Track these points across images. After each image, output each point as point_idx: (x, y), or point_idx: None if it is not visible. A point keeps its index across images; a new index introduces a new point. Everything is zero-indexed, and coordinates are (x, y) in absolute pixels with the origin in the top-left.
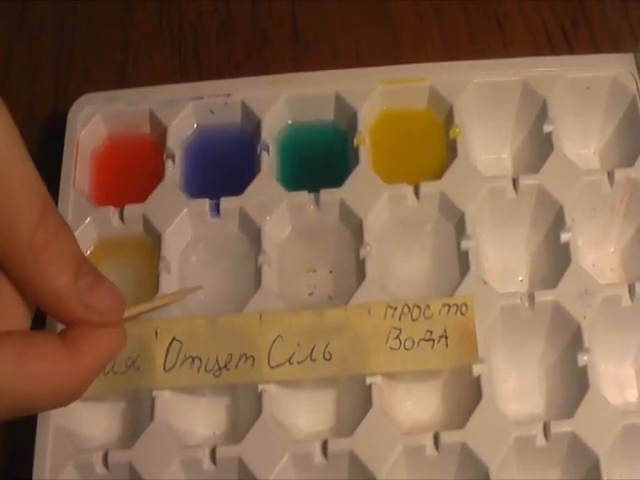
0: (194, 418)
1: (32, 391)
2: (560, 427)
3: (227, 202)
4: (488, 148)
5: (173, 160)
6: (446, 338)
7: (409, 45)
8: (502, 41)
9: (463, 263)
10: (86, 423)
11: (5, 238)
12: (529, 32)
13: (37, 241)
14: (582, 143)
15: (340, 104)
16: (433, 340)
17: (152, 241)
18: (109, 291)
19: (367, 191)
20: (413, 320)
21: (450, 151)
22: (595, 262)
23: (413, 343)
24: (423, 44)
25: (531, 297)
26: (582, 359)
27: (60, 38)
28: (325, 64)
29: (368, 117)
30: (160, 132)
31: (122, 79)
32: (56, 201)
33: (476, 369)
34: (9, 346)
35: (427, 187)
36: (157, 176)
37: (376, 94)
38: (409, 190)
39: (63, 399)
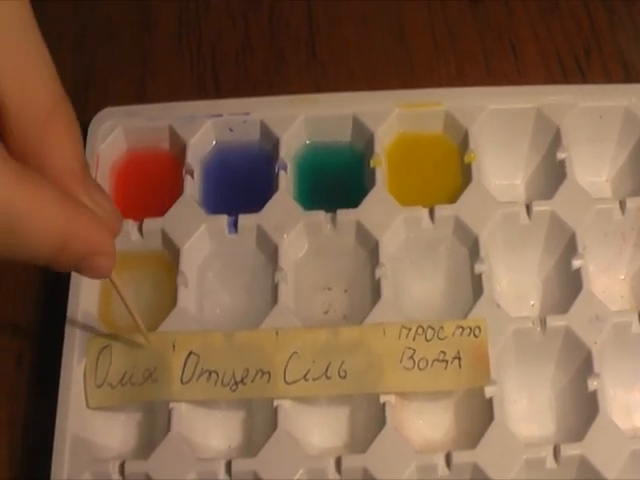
0: (210, 431)
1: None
2: (570, 450)
3: (245, 219)
4: (502, 174)
5: (192, 176)
6: (459, 359)
7: (424, 68)
8: (516, 68)
9: (476, 286)
10: (102, 433)
11: (22, 114)
12: (542, 60)
13: (54, 120)
14: (594, 171)
15: (357, 126)
16: (446, 361)
17: (171, 255)
18: (111, 201)
19: (383, 212)
20: (427, 341)
21: (465, 175)
22: (605, 289)
23: (427, 363)
24: (438, 67)
25: (543, 322)
26: (592, 384)
27: (79, 52)
28: (342, 84)
29: (384, 140)
30: (179, 148)
31: (140, 93)
32: None
33: (488, 391)
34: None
35: (442, 210)
36: (176, 191)
37: (393, 117)
38: (424, 213)
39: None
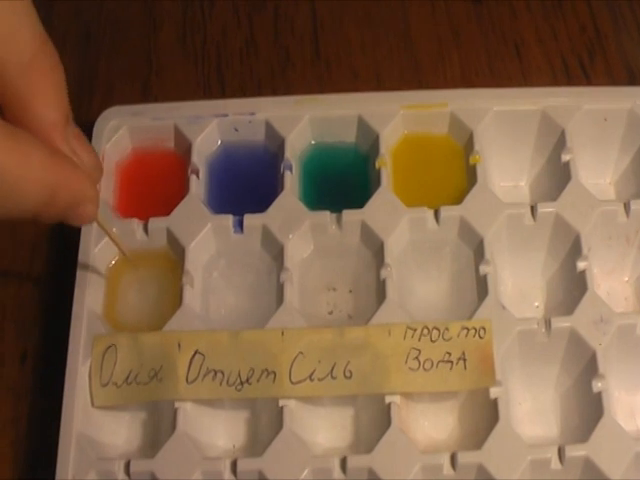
0: (215, 430)
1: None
2: (574, 451)
3: (250, 219)
4: (506, 175)
5: (197, 175)
6: (464, 360)
7: (428, 69)
8: (520, 69)
9: (481, 287)
10: (108, 432)
11: (4, 59)
12: (547, 61)
13: (37, 65)
14: (598, 173)
15: (362, 127)
16: (452, 362)
17: (176, 255)
18: (91, 148)
19: (388, 213)
20: (432, 341)
21: (470, 177)
22: (609, 291)
23: (432, 364)
24: (442, 68)
25: (548, 323)
26: (597, 385)
27: (85, 51)
28: (346, 84)
29: (389, 141)
30: (185, 147)
31: (145, 93)
32: None
33: (493, 392)
34: None
35: (447, 211)
36: (181, 191)
37: (398, 118)
38: (429, 214)
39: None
